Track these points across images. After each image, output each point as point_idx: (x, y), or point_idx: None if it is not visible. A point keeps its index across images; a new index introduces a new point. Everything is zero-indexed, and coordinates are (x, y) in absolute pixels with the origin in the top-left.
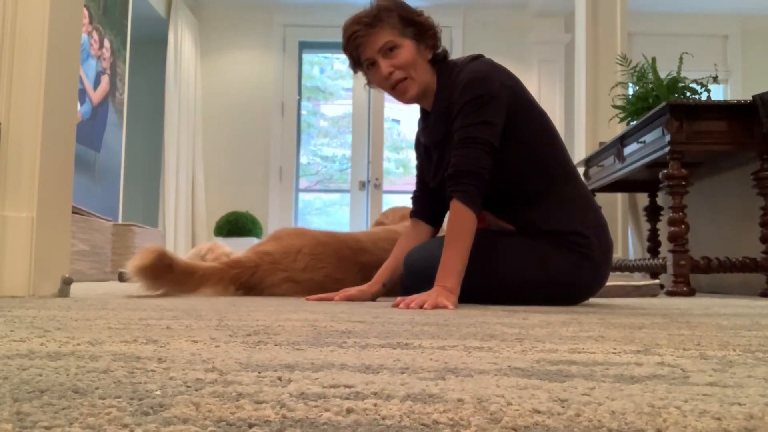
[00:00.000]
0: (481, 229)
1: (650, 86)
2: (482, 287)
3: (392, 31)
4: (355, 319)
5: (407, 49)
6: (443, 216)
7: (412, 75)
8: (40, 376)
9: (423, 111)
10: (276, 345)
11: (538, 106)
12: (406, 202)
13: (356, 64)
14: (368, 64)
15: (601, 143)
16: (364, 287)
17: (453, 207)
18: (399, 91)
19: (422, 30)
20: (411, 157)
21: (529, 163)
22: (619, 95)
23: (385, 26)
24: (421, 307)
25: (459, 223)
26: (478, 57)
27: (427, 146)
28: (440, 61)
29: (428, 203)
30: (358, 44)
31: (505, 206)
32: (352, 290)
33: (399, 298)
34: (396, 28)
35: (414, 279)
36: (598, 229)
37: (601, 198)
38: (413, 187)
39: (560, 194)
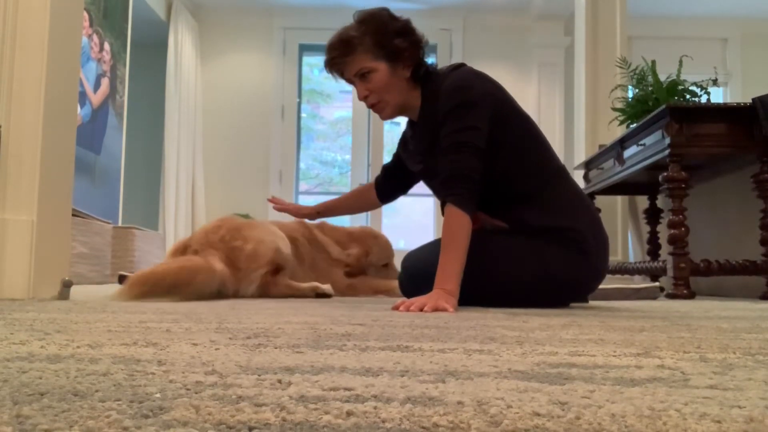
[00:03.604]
0: (476, 230)
1: (650, 89)
2: (481, 288)
3: (366, 56)
4: (354, 322)
5: (382, 73)
6: (393, 199)
7: (385, 98)
8: (40, 378)
9: (410, 120)
10: (276, 348)
11: (521, 111)
12: (406, 204)
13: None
14: (351, 82)
15: (600, 146)
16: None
17: (447, 211)
18: (376, 111)
19: (397, 52)
20: None
21: (518, 166)
22: (618, 98)
23: (358, 53)
24: (421, 310)
25: (454, 226)
26: (460, 66)
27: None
28: (424, 74)
29: (390, 181)
30: (337, 69)
31: (498, 207)
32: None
33: (399, 301)
34: (370, 53)
35: (413, 281)
36: (591, 224)
37: (600, 201)
38: (412, 191)
39: (551, 193)
